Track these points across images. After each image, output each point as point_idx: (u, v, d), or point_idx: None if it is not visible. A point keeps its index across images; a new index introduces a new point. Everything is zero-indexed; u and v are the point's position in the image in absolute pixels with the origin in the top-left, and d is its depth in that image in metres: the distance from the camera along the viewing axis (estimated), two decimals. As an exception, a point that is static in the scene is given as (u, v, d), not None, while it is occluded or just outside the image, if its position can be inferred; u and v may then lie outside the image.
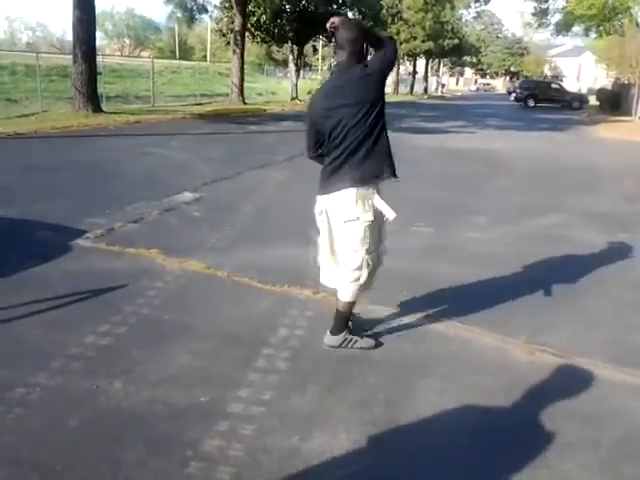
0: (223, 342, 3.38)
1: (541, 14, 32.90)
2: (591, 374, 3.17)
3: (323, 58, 55.21)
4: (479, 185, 8.93)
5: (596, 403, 2.92)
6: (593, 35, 32.40)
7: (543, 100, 37.03)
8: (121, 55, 58.55)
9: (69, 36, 17.02)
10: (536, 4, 32.50)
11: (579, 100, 37.82)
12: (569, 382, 3.10)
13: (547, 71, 76.67)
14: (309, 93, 37.46)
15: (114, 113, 17.27)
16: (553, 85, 40.49)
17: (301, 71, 37.16)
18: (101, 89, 18.24)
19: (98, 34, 17.83)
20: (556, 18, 32.18)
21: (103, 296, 3.92)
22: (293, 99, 30.05)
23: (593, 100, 38.67)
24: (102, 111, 17.15)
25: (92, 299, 3.87)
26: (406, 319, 3.74)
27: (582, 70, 61.81)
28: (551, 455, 2.47)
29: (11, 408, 2.60)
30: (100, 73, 18.50)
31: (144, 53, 69.52)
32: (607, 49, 29.58)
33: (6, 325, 3.43)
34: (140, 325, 3.52)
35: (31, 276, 4.23)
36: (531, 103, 36.74)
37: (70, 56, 17.27)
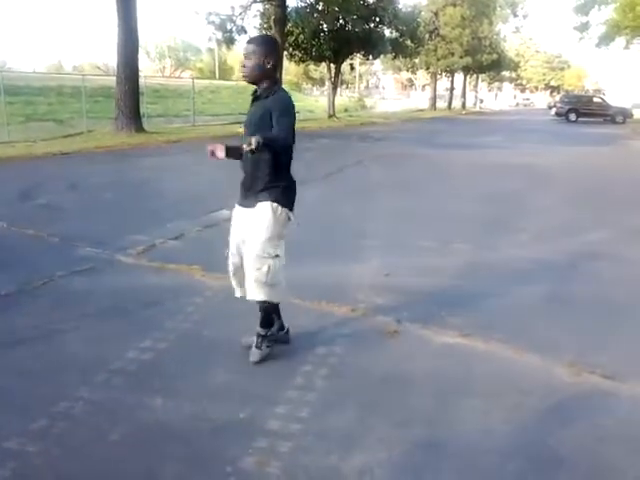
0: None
1: (582, 28, 32.34)
2: (642, 396, 3.05)
3: (360, 76, 55.49)
4: (520, 201, 8.77)
5: (648, 427, 2.79)
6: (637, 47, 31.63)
7: (585, 114, 36.14)
8: (162, 76, 60.08)
9: (114, 59, 17.51)
10: (577, 18, 31.98)
11: (622, 114, 36.74)
12: (618, 405, 2.97)
13: (589, 85, 75.32)
14: (346, 110, 37.73)
15: (155, 132, 17.70)
16: (595, 99, 39.47)
17: (338, 89, 37.42)
18: (143, 109, 18.72)
19: (140, 56, 18.29)
20: (598, 31, 31.54)
21: (144, 311, 3.99)
22: (330, 116, 30.26)
23: (638, 114, 37.65)
24: (144, 130, 17.60)
25: (133, 314, 3.94)
26: (446, 338, 3.68)
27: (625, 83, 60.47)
28: (600, 481, 2.37)
29: (55, 422, 2.65)
30: (142, 94, 19.01)
31: (185, 74, 71.23)
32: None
33: (50, 340, 3.51)
34: (180, 340, 3.55)
35: (74, 291, 4.34)
36: (572, 117, 35.93)
37: (114, 77, 17.82)
